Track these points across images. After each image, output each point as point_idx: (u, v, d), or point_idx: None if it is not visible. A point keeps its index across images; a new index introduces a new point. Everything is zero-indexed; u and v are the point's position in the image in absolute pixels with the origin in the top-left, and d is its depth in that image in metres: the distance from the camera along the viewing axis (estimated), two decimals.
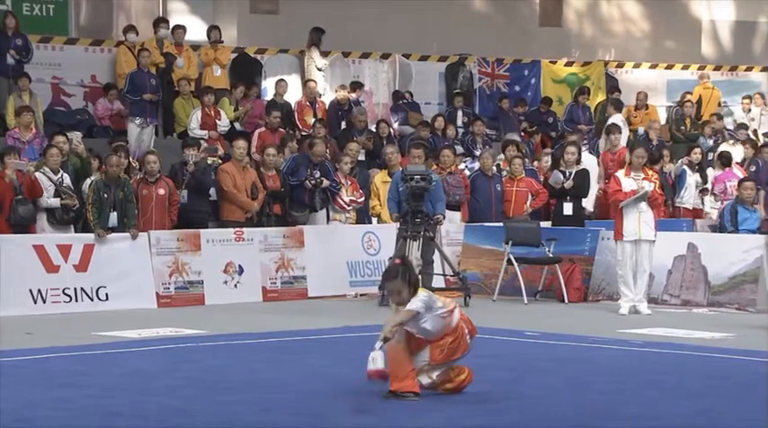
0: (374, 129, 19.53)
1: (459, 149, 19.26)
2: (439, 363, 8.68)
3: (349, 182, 16.66)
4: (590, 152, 19.63)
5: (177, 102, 18.75)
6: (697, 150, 19.87)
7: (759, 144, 21.38)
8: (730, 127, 23.43)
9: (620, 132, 19.52)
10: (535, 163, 19.13)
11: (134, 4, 20.94)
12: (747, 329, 12.67)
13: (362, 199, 16.72)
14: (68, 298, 14.13)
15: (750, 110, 23.49)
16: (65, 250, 14.23)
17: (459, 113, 21.02)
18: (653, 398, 8.85)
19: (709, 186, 19.42)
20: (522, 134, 21.16)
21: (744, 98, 23.77)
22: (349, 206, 16.59)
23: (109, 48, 19.34)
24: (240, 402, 8.58)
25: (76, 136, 16.32)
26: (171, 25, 19.60)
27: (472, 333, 8.85)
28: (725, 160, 19.54)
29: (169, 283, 14.73)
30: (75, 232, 14.86)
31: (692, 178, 19.32)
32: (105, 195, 14.58)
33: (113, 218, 14.61)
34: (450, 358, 8.71)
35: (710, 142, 21.61)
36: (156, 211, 15.15)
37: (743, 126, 22.66)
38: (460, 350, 8.74)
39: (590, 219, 17.29)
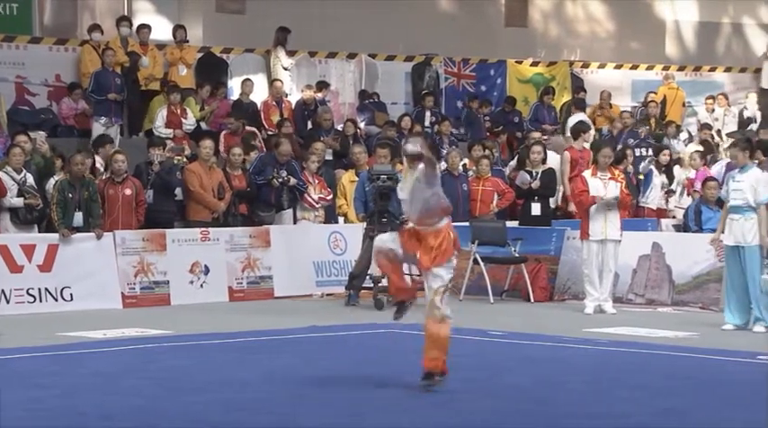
0: (340, 129, 19.53)
1: None
2: (427, 270, 9.03)
3: (316, 181, 16.65)
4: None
5: (156, 100, 18.65)
6: (666, 151, 19.96)
7: (720, 144, 21.53)
8: (694, 127, 23.57)
9: (592, 130, 19.58)
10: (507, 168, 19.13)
11: (99, 3, 20.82)
12: (711, 328, 12.76)
13: (330, 196, 16.72)
14: (32, 299, 14.04)
15: (714, 110, 23.64)
16: (29, 250, 14.14)
17: (428, 113, 21.05)
18: (619, 397, 8.89)
19: (675, 186, 19.51)
20: (488, 134, 21.20)
21: (707, 98, 23.93)
22: (318, 204, 16.58)
23: (73, 47, 19.21)
24: (206, 402, 8.56)
25: (40, 135, 16.21)
26: (136, 24, 19.50)
27: (456, 245, 9.14)
28: (704, 157, 19.61)
29: (134, 283, 14.66)
30: (40, 232, 14.77)
31: (659, 179, 19.41)
32: (70, 195, 14.50)
33: (78, 217, 14.53)
34: (440, 262, 9.00)
35: (675, 142, 21.71)
36: (123, 211, 15.07)
37: (707, 126, 22.81)
38: (448, 253, 9.01)
39: (557, 218, 17.35)
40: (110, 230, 14.69)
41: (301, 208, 16.52)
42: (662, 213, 19.20)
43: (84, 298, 14.27)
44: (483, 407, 8.49)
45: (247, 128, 18.30)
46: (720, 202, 16.70)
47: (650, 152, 19.80)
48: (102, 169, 15.77)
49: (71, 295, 14.26)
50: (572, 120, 20.81)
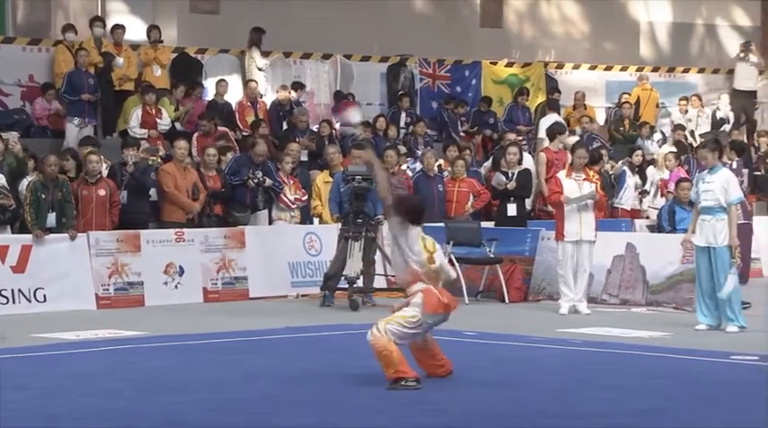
0: (316, 130, 19.51)
1: (404, 150, 19.31)
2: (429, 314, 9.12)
3: (291, 182, 16.65)
4: (530, 153, 19.75)
5: (130, 100, 18.58)
6: (638, 152, 20.06)
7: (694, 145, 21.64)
8: (668, 128, 23.68)
9: (567, 132, 19.64)
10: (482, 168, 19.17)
11: (72, 3, 20.73)
12: (684, 328, 12.82)
13: (306, 197, 16.72)
14: (5, 300, 13.97)
15: (687, 111, 23.76)
16: (1, 251, 14.07)
17: (403, 114, 21.06)
18: (593, 397, 8.92)
19: (649, 187, 19.60)
20: (463, 135, 21.24)
21: (681, 99, 24.04)
22: (294, 204, 16.58)
23: (47, 47, 19.12)
24: (181, 402, 8.54)
25: (13, 136, 16.14)
26: (110, 25, 19.43)
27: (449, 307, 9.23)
28: (677, 157, 19.70)
29: (108, 284, 14.61)
30: (13, 233, 14.69)
31: (632, 179, 19.49)
32: (43, 196, 14.44)
33: (51, 218, 14.47)
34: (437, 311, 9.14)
35: (649, 143, 21.81)
36: (97, 212, 15.02)
37: (680, 127, 22.92)
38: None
39: (532, 219, 17.40)
40: (83, 231, 14.63)
41: (277, 208, 16.51)
42: (636, 214, 19.29)
43: (58, 300, 14.21)
44: (456, 408, 8.51)
45: (219, 128, 18.25)
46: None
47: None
48: (130, 163, 15.59)
49: (44, 296, 14.20)
50: (546, 121, 20.87)
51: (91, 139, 16.76)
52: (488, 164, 19.35)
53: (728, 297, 12.56)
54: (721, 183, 12.69)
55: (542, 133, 20.65)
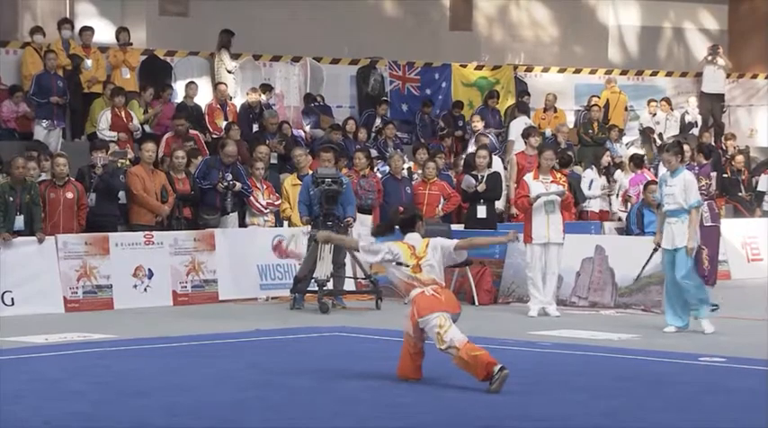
0: (285, 131, 19.47)
1: (374, 153, 19.32)
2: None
3: (264, 187, 16.62)
4: (500, 156, 19.81)
5: (97, 102, 18.49)
6: (607, 153, 20.14)
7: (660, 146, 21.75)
8: (635, 131, 23.78)
9: (539, 135, 19.70)
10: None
11: (40, 4, 20.62)
12: (653, 330, 12.88)
13: (279, 201, 16.70)
14: None
15: (656, 114, 23.88)
16: None
17: (378, 120, 21.08)
18: (562, 399, 8.95)
19: (616, 189, 19.68)
20: (436, 138, 21.28)
21: (650, 102, 24.16)
22: (266, 209, 16.55)
23: (14, 49, 19.02)
24: (149, 406, 8.51)
25: None
26: (78, 27, 19.34)
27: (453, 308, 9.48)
28: (637, 162, 19.83)
29: (77, 288, 14.54)
30: None
31: (599, 181, 19.58)
32: (11, 198, 14.34)
33: (19, 221, 14.38)
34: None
35: (618, 146, 21.90)
36: (64, 215, 14.94)
37: (649, 130, 23.02)
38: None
39: (502, 222, 17.44)
40: (51, 234, 14.55)
41: (250, 213, 16.48)
42: (605, 216, 19.36)
43: (27, 303, 14.13)
44: (425, 410, 8.51)
45: (190, 131, 18.18)
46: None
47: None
48: (99, 166, 15.52)
49: (12, 299, 14.11)
50: (516, 124, 20.93)
51: (34, 144, 16.57)
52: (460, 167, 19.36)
53: (694, 297, 12.63)
54: (682, 186, 12.78)
55: (513, 135, 20.71)
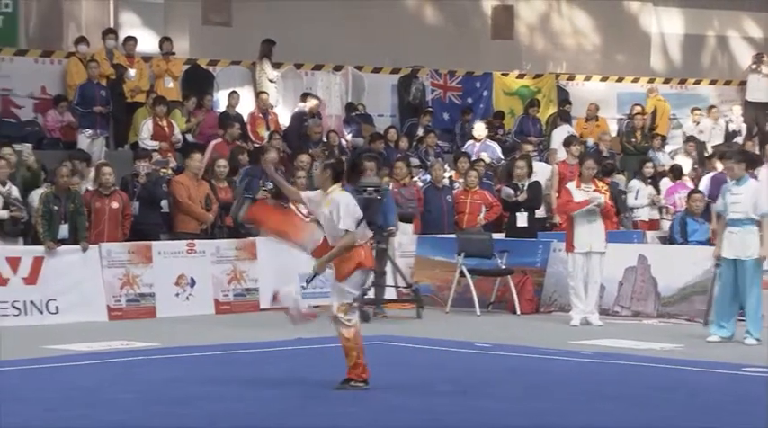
0: (326, 140, 19.51)
1: (416, 161, 19.30)
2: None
3: None
4: (545, 161, 19.78)
5: (140, 112, 18.60)
6: (649, 164, 20.03)
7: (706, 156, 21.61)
8: (679, 139, 23.64)
9: (581, 143, 19.63)
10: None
11: (85, 15, 20.78)
12: (697, 340, 12.77)
13: None
14: (18, 311, 13.98)
15: (699, 122, 23.72)
16: (14, 262, 14.09)
17: (421, 129, 21.06)
18: (603, 409, 8.90)
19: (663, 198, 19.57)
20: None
21: (693, 110, 24.01)
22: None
23: (59, 59, 19.18)
24: (190, 415, 8.54)
25: (26, 148, 16.18)
26: (122, 37, 19.48)
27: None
28: (676, 173, 19.70)
29: (120, 296, 14.62)
30: (25, 244, 14.71)
31: (646, 190, 19.45)
32: (55, 207, 14.46)
33: (64, 230, 14.49)
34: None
35: (660, 154, 21.77)
36: (109, 224, 15.03)
37: (692, 139, 22.87)
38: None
39: (543, 230, 17.37)
40: (95, 243, 14.65)
41: None
42: (654, 225, 19.24)
43: (70, 311, 14.22)
44: (465, 419, 8.49)
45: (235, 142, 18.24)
46: (707, 215, 16.74)
47: None
48: (143, 174, 15.65)
49: (56, 308, 14.22)
50: (559, 132, 20.86)
51: (78, 153, 16.69)
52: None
53: (754, 310, 12.47)
54: (750, 195, 12.60)
55: (555, 144, 20.63)
